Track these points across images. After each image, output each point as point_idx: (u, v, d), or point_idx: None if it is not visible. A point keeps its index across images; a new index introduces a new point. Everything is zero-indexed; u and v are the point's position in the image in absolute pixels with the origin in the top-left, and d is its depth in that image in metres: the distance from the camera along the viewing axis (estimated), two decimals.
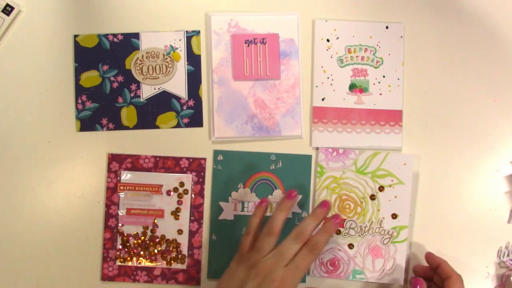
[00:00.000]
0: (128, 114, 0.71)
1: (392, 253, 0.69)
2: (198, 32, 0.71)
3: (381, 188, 0.69)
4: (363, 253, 0.69)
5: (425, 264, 0.68)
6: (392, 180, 0.69)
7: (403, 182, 0.69)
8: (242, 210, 0.70)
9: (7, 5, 0.69)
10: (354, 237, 0.69)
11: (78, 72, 0.71)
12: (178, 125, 0.71)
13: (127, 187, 0.70)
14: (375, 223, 0.69)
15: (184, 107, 0.71)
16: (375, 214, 0.69)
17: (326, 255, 0.69)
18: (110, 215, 0.70)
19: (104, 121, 0.70)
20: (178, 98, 0.71)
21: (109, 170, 0.70)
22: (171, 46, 0.71)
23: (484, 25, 0.72)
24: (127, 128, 0.71)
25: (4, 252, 0.70)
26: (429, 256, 0.67)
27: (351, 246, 0.69)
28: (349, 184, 0.70)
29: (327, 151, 0.70)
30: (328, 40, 0.71)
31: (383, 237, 0.69)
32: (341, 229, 0.69)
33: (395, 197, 0.69)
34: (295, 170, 0.70)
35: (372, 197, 0.69)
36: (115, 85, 0.70)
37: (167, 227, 0.70)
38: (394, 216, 0.69)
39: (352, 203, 0.70)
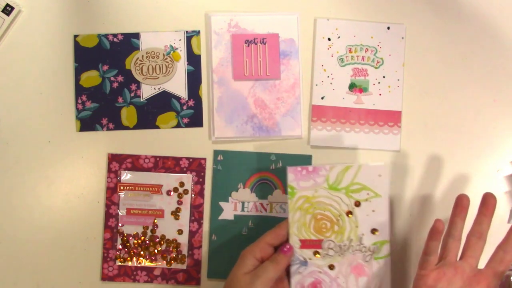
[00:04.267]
0: (128, 114, 0.70)
1: (376, 270, 0.65)
2: (198, 32, 0.71)
3: (357, 203, 0.65)
4: (345, 273, 0.65)
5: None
6: (368, 194, 0.65)
7: (379, 194, 0.65)
8: (242, 210, 0.70)
9: (7, 5, 0.69)
10: (334, 257, 0.65)
11: (78, 72, 0.71)
12: (178, 125, 0.71)
13: (127, 187, 0.70)
14: (355, 240, 0.65)
15: (184, 107, 0.71)
16: (353, 231, 0.65)
17: (306, 279, 0.65)
18: (110, 215, 0.70)
19: (104, 121, 0.70)
20: (178, 98, 0.71)
21: (109, 170, 0.70)
22: (171, 46, 0.71)
23: (484, 26, 0.72)
24: (127, 128, 0.71)
25: (4, 252, 0.70)
26: None
27: (331, 267, 0.65)
28: (323, 203, 0.65)
29: (296, 170, 0.65)
30: (329, 39, 0.71)
31: (364, 254, 0.65)
32: (320, 250, 0.65)
33: (373, 211, 0.65)
34: None
35: (349, 214, 0.65)
36: (115, 85, 0.70)
37: (167, 227, 0.70)
38: (374, 231, 0.65)
39: (328, 222, 0.65)
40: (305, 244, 0.65)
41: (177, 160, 0.70)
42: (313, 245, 0.65)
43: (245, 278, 0.60)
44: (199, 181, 0.70)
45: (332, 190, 0.65)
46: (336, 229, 0.65)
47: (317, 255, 0.65)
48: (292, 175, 0.65)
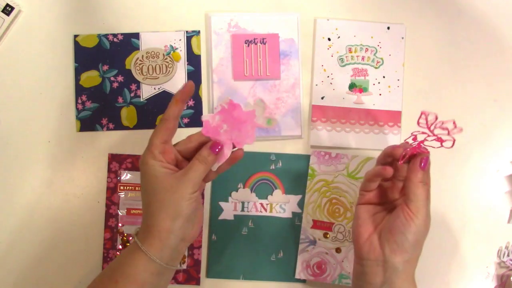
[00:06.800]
0: (128, 114, 0.70)
1: None
2: (198, 32, 0.71)
3: None
4: (350, 258, 0.68)
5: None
6: None
7: None
8: (242, 210, 0.70)
9: (7, 5, 0.69)
10: (342, 241, 0.69)
11: (78, 72, 0.71)
12: (178, 125, 0.70)
13: (127, 187, 0.70)
14: None
15: (184, 107, 0.71)
16: None
17: (313, 258, 0.69)
18: (110, 215, 0.70)
19: (104, 121, 0.70)
20: None
21: (109, 170, 0.70)
22: (171, 46, 0.71)
23: (484, 26, 0.72)
24: (127, 128, 0.71)
25: (4, 252, 0.70)
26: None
27: (338, 250, 0.69)
28: (340, 189, 0.69)
29: (319, 154, 0.69)
30: (329, 39, 0.71)
31: None
32: (329, 233, 0.69)
33: None
34: (295, 170, 0.70)
35: None
36: (115, 85, 0.70)
37: None
38: None
39: (341, 207, 0.69)
40: (316, 224, 0.69)
41: None
42: (324, 227, 0.69)
43: (170, 180, 0.53)
44: None
45: (350, 178, 0.69)
46: (348, 215, 0.69)
47: (327, 237, 0.69)
48: (315, 157, 0.69)
